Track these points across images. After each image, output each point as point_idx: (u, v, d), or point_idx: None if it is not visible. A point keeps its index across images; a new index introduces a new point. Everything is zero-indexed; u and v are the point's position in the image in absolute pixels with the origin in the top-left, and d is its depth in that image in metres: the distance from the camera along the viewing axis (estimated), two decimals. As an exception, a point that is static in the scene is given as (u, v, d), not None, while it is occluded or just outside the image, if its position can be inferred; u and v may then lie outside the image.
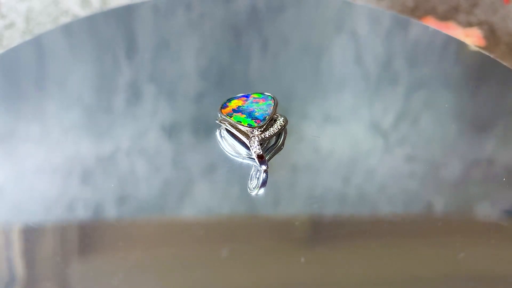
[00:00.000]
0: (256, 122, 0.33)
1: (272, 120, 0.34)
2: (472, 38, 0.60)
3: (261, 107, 0.34)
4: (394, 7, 0.64)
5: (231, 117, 0.33)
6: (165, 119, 0.35)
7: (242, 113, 0.33)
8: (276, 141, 0.34)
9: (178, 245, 0.29)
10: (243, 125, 0.33)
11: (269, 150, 0.34)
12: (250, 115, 0.33)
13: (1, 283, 0.27)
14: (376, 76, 0.38)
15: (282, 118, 0.34)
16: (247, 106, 0.34)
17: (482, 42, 0.60)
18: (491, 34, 0.62)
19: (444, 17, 0.63)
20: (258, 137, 0.33)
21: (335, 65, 0.39)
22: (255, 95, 0.35)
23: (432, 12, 0.63)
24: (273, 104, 0.34)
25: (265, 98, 0.35)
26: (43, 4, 0.61)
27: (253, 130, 0.33)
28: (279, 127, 0.33)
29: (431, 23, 0.61)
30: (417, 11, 0.64)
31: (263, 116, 0.33)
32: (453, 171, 0.32)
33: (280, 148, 0.34)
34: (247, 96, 0.35)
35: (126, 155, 0.32)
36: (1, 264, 0.27)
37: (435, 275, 0.28)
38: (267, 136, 0.33)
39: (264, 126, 0.33)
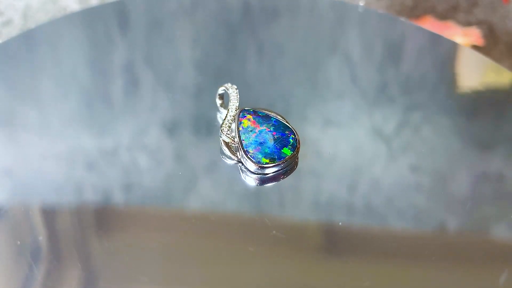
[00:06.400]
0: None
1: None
2: (471, 37, 0.60)
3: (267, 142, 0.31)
4: (394, 6, 0.64)
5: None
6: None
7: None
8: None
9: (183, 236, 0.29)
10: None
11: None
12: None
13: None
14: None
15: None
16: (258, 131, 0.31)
17: (481, 42, 0.60)
18: (490, 34, 0.62)
19: (443, 16, 0.63)
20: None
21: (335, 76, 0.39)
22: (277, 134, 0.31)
23: (431, 11, 0.63)
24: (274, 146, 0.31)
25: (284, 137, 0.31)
26: (41, 2, 0.61)
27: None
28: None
29: (430, 22, 0.61)
30: (416, 10, 0.64)
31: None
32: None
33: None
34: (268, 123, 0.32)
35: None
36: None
37: None
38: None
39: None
